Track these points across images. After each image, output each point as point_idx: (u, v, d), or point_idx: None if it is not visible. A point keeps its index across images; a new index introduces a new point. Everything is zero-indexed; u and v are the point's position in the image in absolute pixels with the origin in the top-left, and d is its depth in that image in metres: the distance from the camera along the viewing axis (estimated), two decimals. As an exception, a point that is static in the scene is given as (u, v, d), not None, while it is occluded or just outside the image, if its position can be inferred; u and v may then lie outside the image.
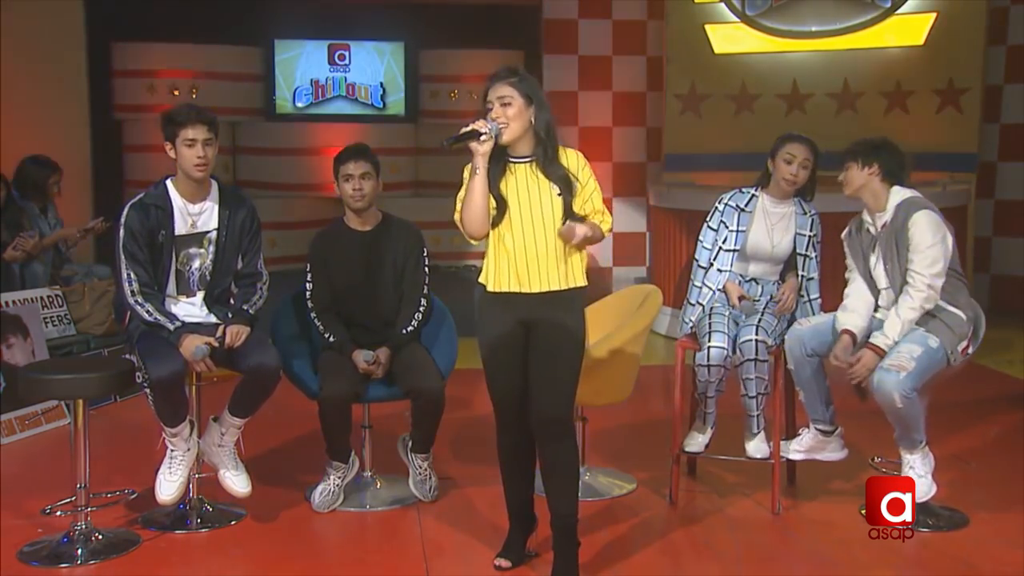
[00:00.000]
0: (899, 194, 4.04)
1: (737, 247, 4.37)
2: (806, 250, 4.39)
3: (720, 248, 4.39)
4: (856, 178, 4.07)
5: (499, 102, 3.42)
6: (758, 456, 4.25)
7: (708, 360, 4.15)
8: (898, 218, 3.99)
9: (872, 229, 4.10)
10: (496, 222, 3.45)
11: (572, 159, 3.50)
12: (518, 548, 3.70)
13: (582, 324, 3.52)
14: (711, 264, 4.41)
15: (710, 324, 4.23)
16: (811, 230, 4.40)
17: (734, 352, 4.22)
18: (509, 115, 3.41)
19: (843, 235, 4.26)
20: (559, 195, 3.44)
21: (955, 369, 4.01)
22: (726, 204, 4.42)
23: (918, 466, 4.00)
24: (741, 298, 4.31)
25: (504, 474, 3.66)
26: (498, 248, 3.46)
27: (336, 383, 4.13)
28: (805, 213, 4.40)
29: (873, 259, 4.08)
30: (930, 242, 3.91)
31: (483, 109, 3.45)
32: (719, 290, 4.37)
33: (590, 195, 3.49)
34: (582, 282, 3.51)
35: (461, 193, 3.47)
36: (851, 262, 4.21)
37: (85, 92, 8.63)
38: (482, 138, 3.35)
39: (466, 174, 3.48)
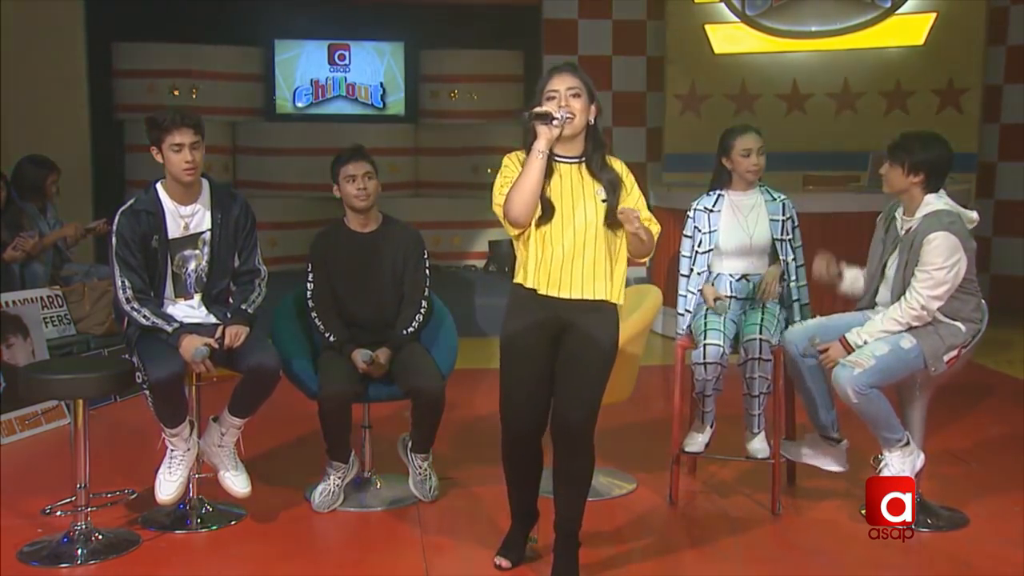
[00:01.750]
0: (930, 204, 3.95)
1: (711, 247, 4.39)
2: (782, 234, 4.40)
3: (696, 252, 4.42)
4: (898, 182, 3.99)
5: (568, 92, 3.31)
6: (759, 456, 4.25)
7: (704, 358, 4.15)
8: (919, 230, 3.92)
9: (899, 228, 4.07)
10: (539, 225, 3.34)
11: (617, 165, 3.44)
12: (518, 547, 3.69)
13: (614, 340, 3.41)
14: (691, 270, 4.44)
15: (706, 323, 4.23)
16: (784, 214, 4.42)
17: (735, 351, 4.22)
18: (577, 108, 3.31)
19: (878, 218, 4.21)
20: (603, 200, 3.35)
21: (938, 375, 3.98)
22: (695, 210, 4.45)
23: (895, 464, 3.95)
24: (716, 299, 4.31)
25: (508, 478, 3.60)
26: (535, 248, 3.36)
27: (336, 383, 4.13)
28: (774, 200, 4.43)
29: (890, 259, 4.06)
30: (939, 265, 3.85)
31: (538, 102, 3.33)
32: (699, 292, 4.38)
33: (636, 201, 3.40)
34: (618, 299, 3.40)
35: (499, 181, 3.38)
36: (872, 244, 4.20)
37: (85, 92, 8.64)
38: (554, 123, 3.26)
39: (507, 160, 3.41)
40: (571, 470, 3.47)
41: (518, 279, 3.41)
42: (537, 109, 3.29)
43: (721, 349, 4.15)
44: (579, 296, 3.35)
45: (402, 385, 4.23)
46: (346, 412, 4.17)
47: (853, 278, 4.25)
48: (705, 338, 4.18)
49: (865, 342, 3.93)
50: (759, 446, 4.25)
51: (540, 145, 3.26)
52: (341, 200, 4.40)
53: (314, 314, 4.35)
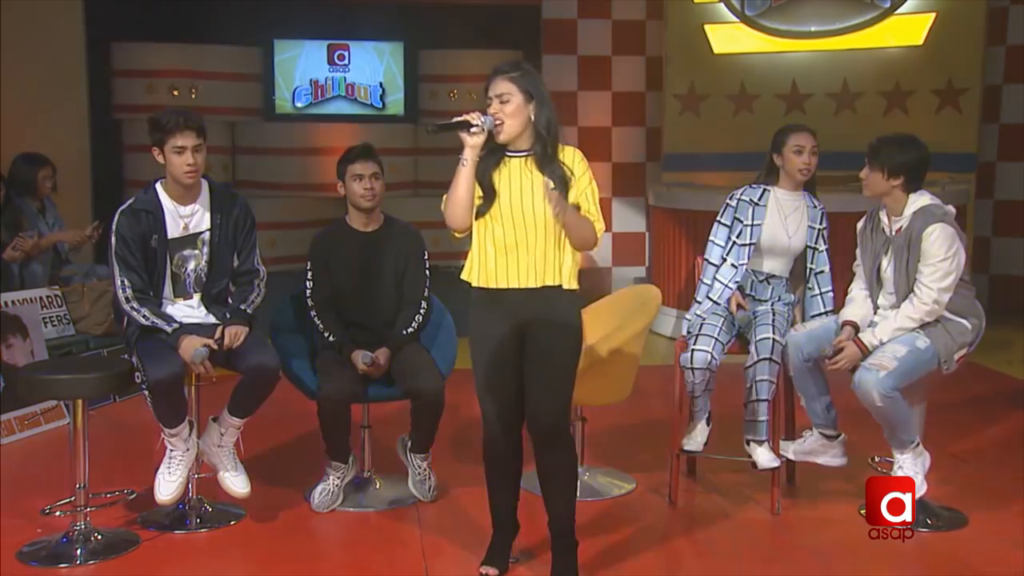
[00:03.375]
0: (916, 201, 3.98)
1: (752, 241, 4.33)
2: (815, 243, 4.38)
3: (734, 243, 4.35)
4: (879, 186, 4.00)
5: (497, 99, 3.35)
6: (769, 466, 4.17)
7: (691, 363, 4.14)
8: (914, 226, 3.94)
9: (887, 230, 4.07)
10: (482, 212, 3.36)
11: (569, 155, 3.40)
12: (503, 555, 3.64)
13: (578, 326, 3.43)
14: (724, 260, 4.37)
15: (701, 327, 4.22)
16: (821, 223, 4.39)
17: (744, 350, 4.21)
18: (506, 112, 3.34)
19: (858, 227, 4.23)
20: (552, 188, 3.30)
21: (949, 374, 4.00)
22: (739, 199, 4.37)
23: (908, 466, 3.98)
24: (739, 306, 4.30)
25: (488, 479, 3.61)
26: (485, 242, 3.38)
27: (335, 383, 4.13)
28: (815, 207, 4.39)
29: (884, 261, 4.06)
30: (942, 256, 3.87)
31: (485, 103, 3.38)
32: (728, 286, 4.34)
33: (583, 190, 3.36)
34: (574, 285, 3.40)
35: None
36: (859, 256, 4.20)
37: (85, 92, 8.63)
38: (472, 130, 3.29)
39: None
40: (550, 465, 3.47)
41: (468, 276, 3.42)
42: (454, 119, 3.31)
43: (708, 355, 4.12)
44: (535, 284, 3.34)
45: (402, 385, 4.22)
46: (345, 412, 4.17)
47: (864, 313, 4.14)
48: (695, 343, 4.16)
49: (881, 342, 3.94)
50: (768, 456, 4.17)
51: (464, 154, 3.30)
52: (343, 198, 4.40)
53: (313, 312, 4.34)
